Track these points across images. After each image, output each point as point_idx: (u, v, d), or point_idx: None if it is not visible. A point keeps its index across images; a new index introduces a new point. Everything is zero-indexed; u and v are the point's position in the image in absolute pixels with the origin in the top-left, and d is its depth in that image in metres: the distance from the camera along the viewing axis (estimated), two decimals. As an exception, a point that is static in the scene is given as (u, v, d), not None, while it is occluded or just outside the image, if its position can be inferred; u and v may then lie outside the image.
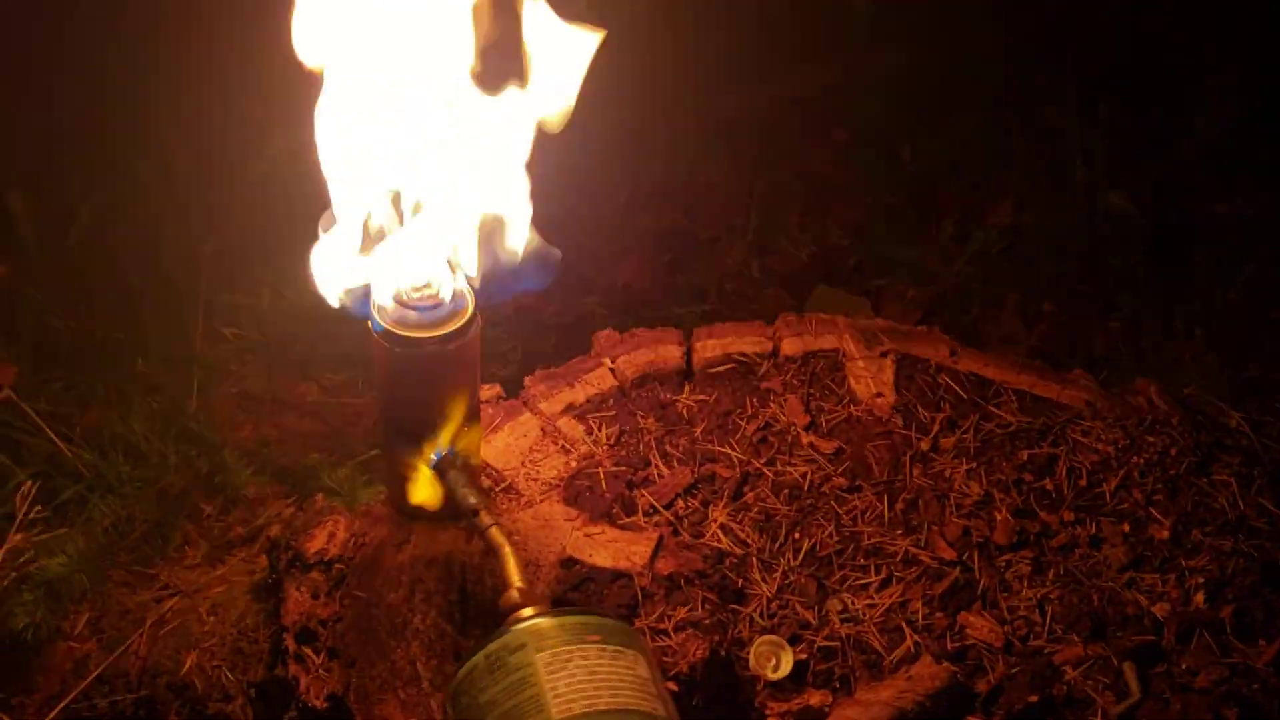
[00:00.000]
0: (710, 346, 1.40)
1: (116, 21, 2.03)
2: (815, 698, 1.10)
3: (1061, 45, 2.28)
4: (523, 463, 1.28)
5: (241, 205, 1.96)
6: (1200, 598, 1.18)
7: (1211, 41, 2.32)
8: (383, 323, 1.04)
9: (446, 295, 1.05)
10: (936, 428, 1.32)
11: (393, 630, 1.12)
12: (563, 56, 1.02)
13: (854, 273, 2.08)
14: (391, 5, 0.98)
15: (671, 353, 1.39)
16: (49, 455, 1.60)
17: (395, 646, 1.11)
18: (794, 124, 2.35)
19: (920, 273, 2.04)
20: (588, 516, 1.22)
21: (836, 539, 1.22)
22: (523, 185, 1.04)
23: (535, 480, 1.26)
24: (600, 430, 1.31)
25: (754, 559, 1.20)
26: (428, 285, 1.05)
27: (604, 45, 1.02)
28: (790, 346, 1.40)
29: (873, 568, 1.20)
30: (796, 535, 1.22)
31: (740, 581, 1.18)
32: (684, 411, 1.34)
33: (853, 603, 1.17)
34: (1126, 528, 1.24)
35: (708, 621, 1.13)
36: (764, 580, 1.18)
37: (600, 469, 1.27)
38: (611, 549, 1.19)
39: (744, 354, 1.39)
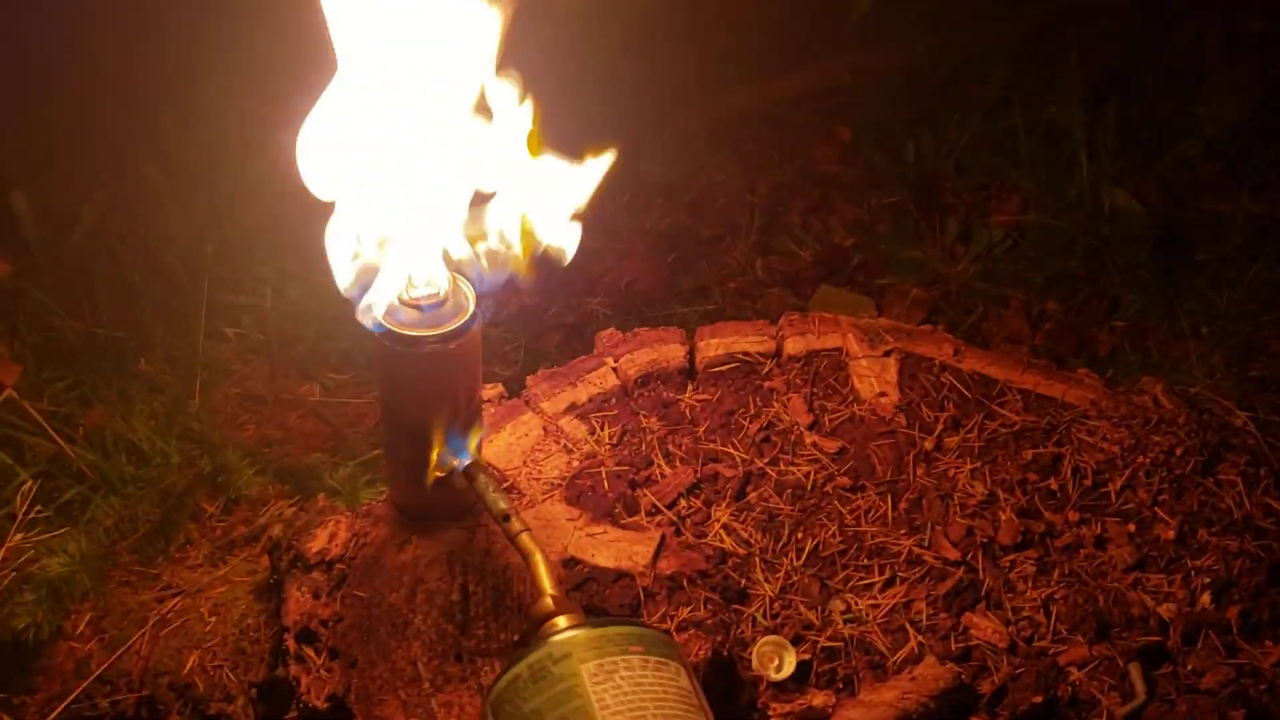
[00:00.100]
0: (713, 345, 1.39)
1: (119, 21, 2.03)
2: (818, 698, 1.09)
3: (1066, 43, 2.28)
4: (525, 462, 1.28)
5: (244, 204, 1.96)
6: (1206, 598, 1.17)
7: (1217, 38, 2.32)
8: (384, 322, 1.04)
9: (447, 293, 1.04)
10: (940, 427, 1.31)
11: (394, 630, 1.12)
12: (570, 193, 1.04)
13: (858, 272, 2.08)
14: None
15: (674, 352, 1.38)
16: (51, 455, 1.60)
17: (396, 647, 1.10)
18: (798, 123, 2.35)
19: (924, 272, 2.03)
20: (590, 516, 1.22)
21: (840, 539, 1.21)
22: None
23: (537, 480, 1.26)
24: (602, 430, 1.31)
25: (757, 559, 1.19)
26: (429, 284, 1.04)
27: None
28: (793, 345, 1.39)
29: (876, 568, 1.19)
30: (799, 535, 1.22)
31: (743, 581, 1.17)
32: (687, 411, 1.33)
33: (856, 603, 1.16)
34: (1132, 528, 1.23)
35: (710, 622, 1.12)
36: (767, 580, 1.18)
37: (602, 468, 1.27)
38: (613, 549, 1.18)
39: (747, 353, 1.39)
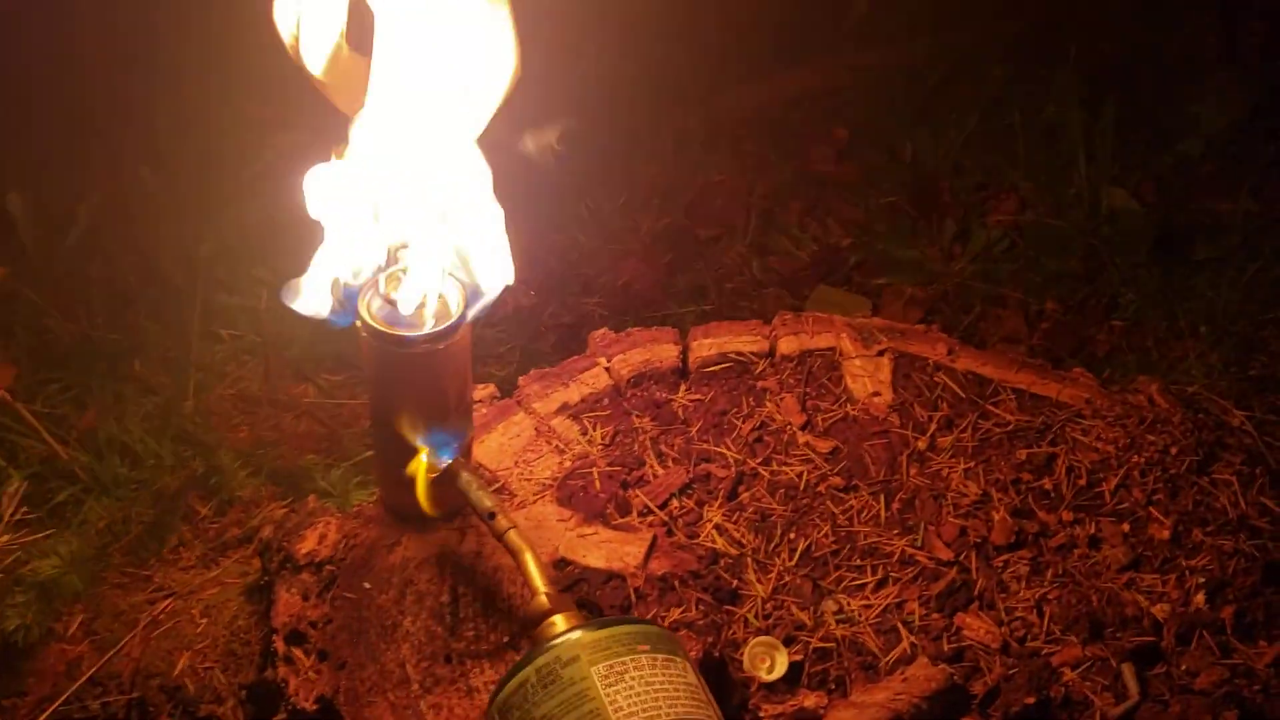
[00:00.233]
0: (706, 345, 1.38)
1: (114, 22, 2.03)
2: (810, 699, 1.09)
3: (1064, 42, 2.27)
4: (516, 463, 1.27)
5: (239, 206, 1.96)
6: (1200, 598, 1.16)
7: (1216, 38, 2.31)
8: (372, 322, 1.03)
9: (435, 293, 1.04)
10: (934, 427, 1.30)
11: (383, 632, 1.11)
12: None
13: (855, 272, 2.07)
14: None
15: (667, 352, 1.38)
16: (45, 457, 1.60)
17: (385, 649, 1.10)
18: (795, 123, 2.35)
19: (922, 272, 2.03)
20: (581, 517, 1.21)
21: (832, 539, 1.21)
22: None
23: (528, 480, 1.25)
24: (595, 430, 1.30)
25: (749, 559, 1.19)
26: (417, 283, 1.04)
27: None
28: (787, 345, 1.39)
29: (869, 568, 1.19)
30: (792, 535, 1.21)
31: (735, 582, 1.17)
32: (679, 411, 1.33)
33: (848, 603, 1.16)
34: (1126, 527, 1.22)
35: (702, 622, 1.12)
36: (759, 581, 1.17)
37: (594, 469, 1.26)
38: (605, 549, 1.18)
39: (740, 353, 1.38)
